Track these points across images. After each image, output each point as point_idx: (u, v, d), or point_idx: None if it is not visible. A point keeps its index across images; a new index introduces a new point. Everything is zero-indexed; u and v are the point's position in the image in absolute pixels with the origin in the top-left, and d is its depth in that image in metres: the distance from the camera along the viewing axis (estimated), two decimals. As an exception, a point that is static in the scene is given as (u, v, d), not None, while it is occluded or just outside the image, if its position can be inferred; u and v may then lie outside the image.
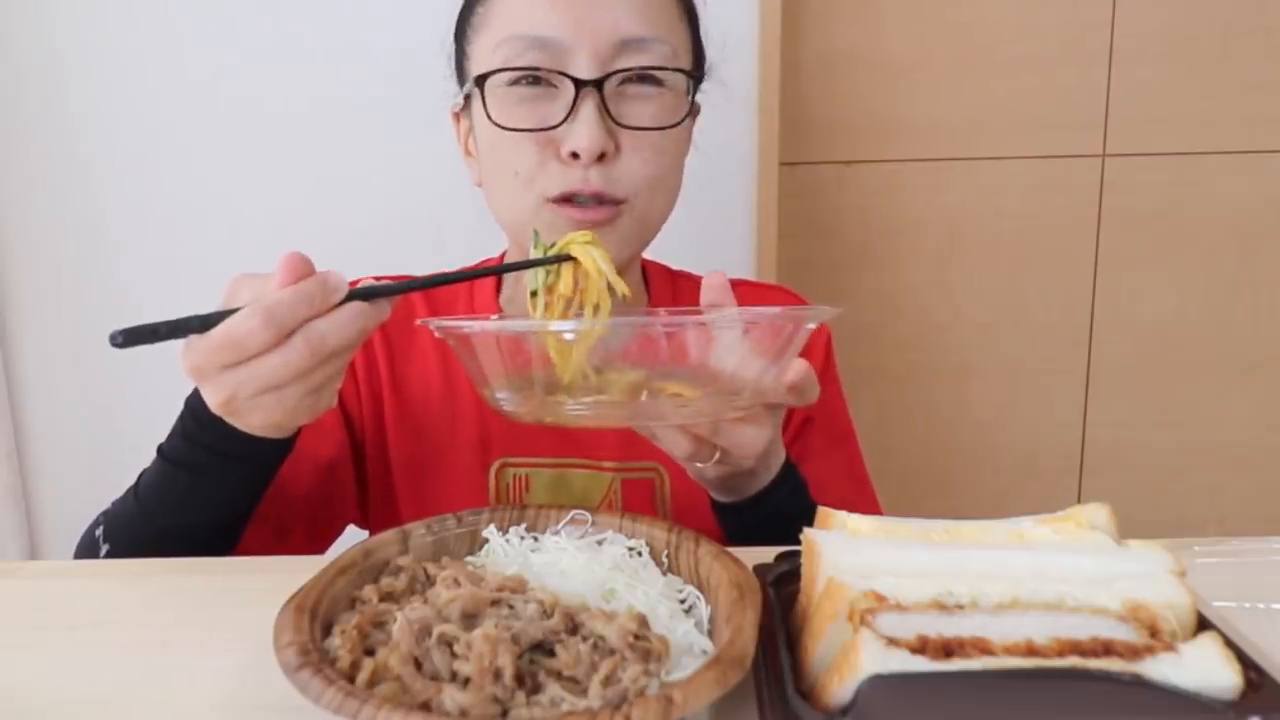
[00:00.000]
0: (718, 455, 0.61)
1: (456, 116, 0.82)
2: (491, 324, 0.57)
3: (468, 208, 0.83)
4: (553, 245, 0.63)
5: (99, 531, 0.69)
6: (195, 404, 0.62)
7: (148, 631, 0.54)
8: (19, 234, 1.39)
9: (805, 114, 1.42)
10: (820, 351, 0.88)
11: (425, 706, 0.41)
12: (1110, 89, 1.42)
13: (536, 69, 0.71)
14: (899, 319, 1.51)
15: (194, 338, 0.52)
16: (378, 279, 0.86)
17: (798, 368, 0.59)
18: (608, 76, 0.71)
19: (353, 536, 0.86)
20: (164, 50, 1.32)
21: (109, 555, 0.67)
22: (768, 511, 0.67)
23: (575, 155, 0.70)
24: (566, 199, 0.72)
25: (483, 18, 0.75)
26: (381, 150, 1.32)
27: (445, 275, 0.65)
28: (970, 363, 1.52)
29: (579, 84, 0.70)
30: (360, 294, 0.54)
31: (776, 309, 0.64)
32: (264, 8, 1.30)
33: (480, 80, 0.73)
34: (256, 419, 0.55)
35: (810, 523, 0.50)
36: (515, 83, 0.72)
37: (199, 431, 0.61)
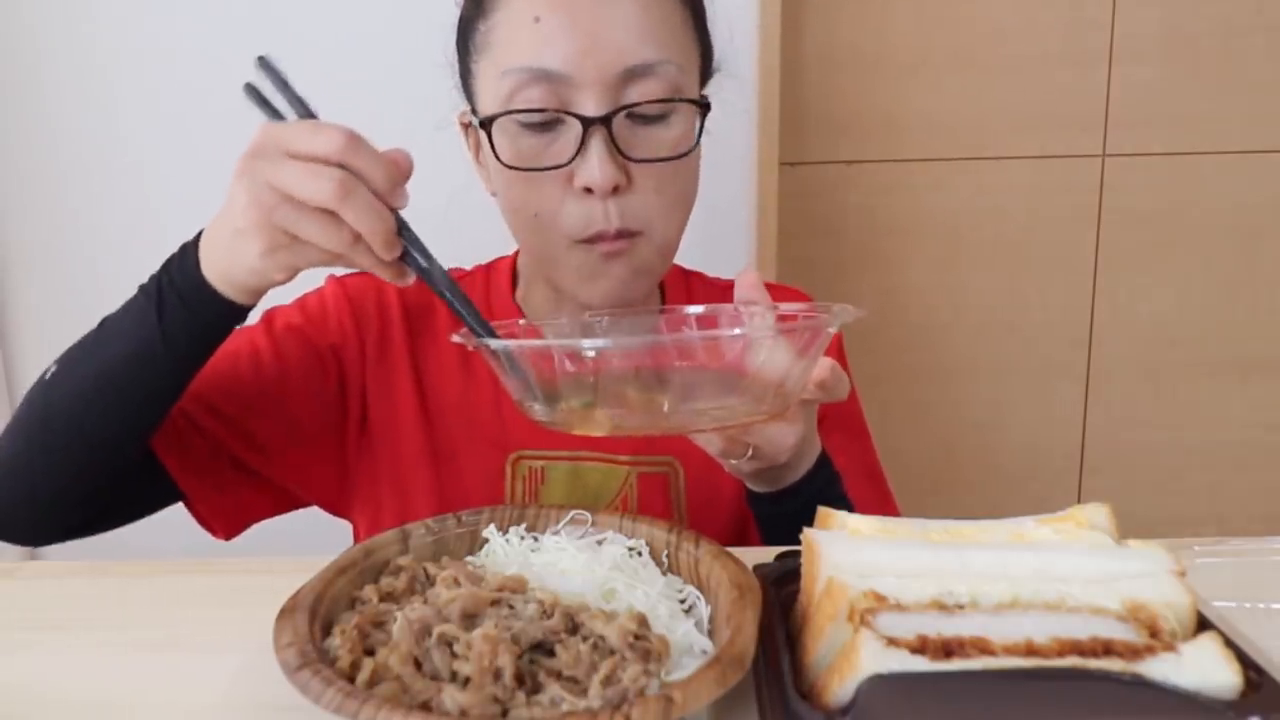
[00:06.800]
0: (750, 452, 0.63)
1: (465, 125, 0.81)
2: (526, 342, 0.57)
3: (477, 206, 0.83)
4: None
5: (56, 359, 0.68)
6: (189, 243, 0.63)
7: (148, 631, 0.54)
8: (19, 234, 1.39)
9: (807, 113, 1.42)
10: (833, 350, 0.88)
11: (425, 706, 0.41)
12: (1110, 89, 1.42)
13: (542, 110, 0.70)
14: (899, 319, 1.51)
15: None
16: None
17: (824, 366, 0.60)
18: (615, 113, 0.69)
19: (346, 537, 0.86)
20: (166, 49, 1.32)
21: (51, 379, 0.66)
22: (803, 501, 0.68)
23: (589, 190, 0.70)
24: (592, 239, 0.72)
25: (485, 36, 0.73)
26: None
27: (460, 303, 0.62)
28: (971, 363, 1.53)
29: (586, 122, 0.69)
30: (409, 233, 0.57)
31: (799, 306, 0.64)
32: (268, 5, 1.30)
33: (485, 123, 0.72)
34: (242, 200, 0.57)
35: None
36: (523, 123, 0.71)
37: (176, 261, 0.63)
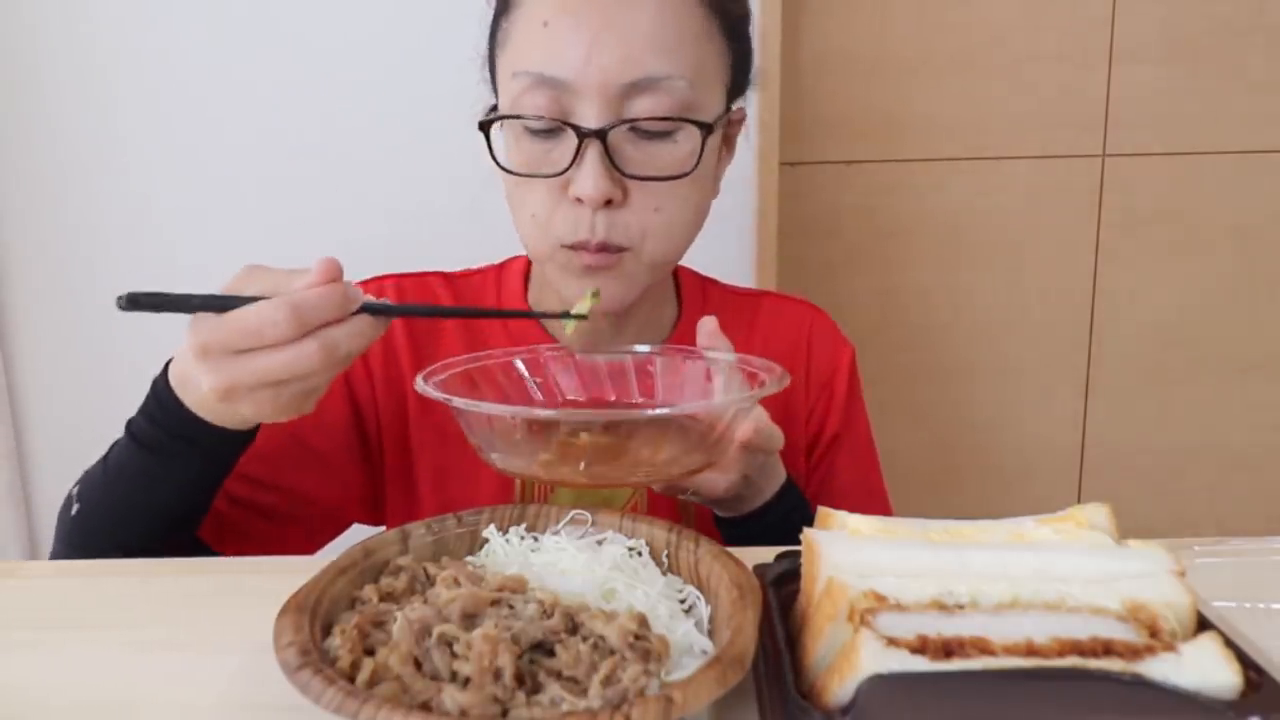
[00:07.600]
0: (691, 490, 0.66)
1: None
2: (470, 402, 0.57)
3: (496, 200, 0.83)
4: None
5: (74, 490, 0.69)
6: (160, 385, 0.62)
7: (148, 631, 0.54)
8: (19, 233, 1.39)
9: (806, 114, 1.42)
10: (844, 374, 0.90)
11: (425, 706, 0.41)
12: (1110, 89, 1.42)
13: (540, 117, 0.68)
14: (899, 319, 1.51)
15: (208, 316, 0.53)
16: (381, 276, 0.87)
17: (748, 427, 0.62)
18: (613, 126, 0.68)
19: (355, 536, 0.86)
20: (165, 49, 1.32)
21: (78, 515, 0.67)
22: (764, 526, 0.71)
23: (581, 200, 0.69)
24: (576, 246, 0.72)
25: (505, 34, 0.73)
26: (389, 148, 1.32)
27: (450, 309, 0.68)
28: (970, 363, 1.53)
29: (582, 133, 0.67)
30: (371, 308, 0.55)
31: (732, 358, 0.66)
32: (268, 5, 1.30)
33: (484, 126, 0.71)
34: (247, 409, 0.56)
35: None
36: (525, 127, 0.70)
37: (160, 413, 0.62)
